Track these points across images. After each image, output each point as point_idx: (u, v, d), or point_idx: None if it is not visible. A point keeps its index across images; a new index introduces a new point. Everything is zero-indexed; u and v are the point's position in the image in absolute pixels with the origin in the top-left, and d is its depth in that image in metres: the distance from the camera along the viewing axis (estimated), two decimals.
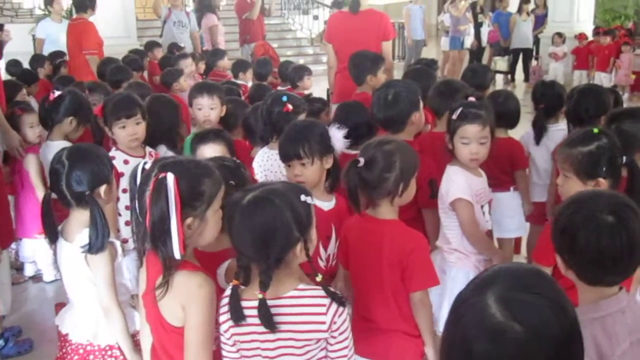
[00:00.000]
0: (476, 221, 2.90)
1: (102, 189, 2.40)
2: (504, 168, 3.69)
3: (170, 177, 1.79)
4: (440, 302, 2.77)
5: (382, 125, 3.31)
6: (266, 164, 3.23)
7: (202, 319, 1.85)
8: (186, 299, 1.85)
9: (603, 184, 2.31)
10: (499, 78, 13.54)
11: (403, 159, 2.34)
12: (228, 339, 1.89)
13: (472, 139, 2.85)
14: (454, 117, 2.86)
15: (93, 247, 2.26)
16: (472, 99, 3.07)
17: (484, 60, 13.15)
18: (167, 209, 1.78)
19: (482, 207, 2.96)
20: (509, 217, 3.68)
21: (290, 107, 3.24)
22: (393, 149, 2.36)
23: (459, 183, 2.87)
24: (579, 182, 2.35)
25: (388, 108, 3.22)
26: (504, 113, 3.69)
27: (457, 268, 2.95)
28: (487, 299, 1.12)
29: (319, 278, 1.89)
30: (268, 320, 1.77)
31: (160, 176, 1.80)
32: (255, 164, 3.27)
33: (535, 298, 1.12)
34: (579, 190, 2.38)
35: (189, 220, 1.85)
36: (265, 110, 3.30)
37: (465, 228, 2.88)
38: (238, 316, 1.81)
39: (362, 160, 2.32)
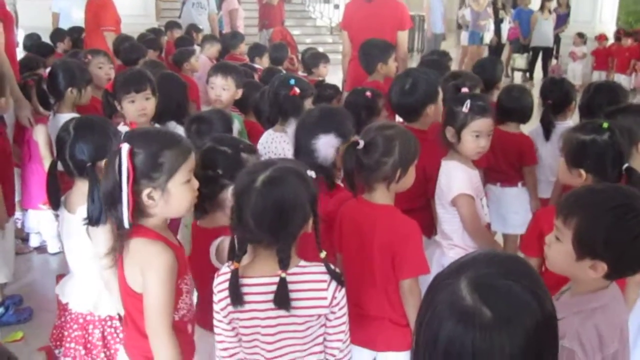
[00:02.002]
0: (479, 216, 2.87)
1: (104, 162, 2.39)
2: (512, 163, 3.67)
3: (125, 148, 1.82)
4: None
5: (397, 112, 3.30)
6: (270, 146, 3.23)
7: (158, 287, 1.86)
8: (144, 265, 1.87)
9: (583, 176, 2.32)
10: (517, 76, 13.47)
11: (403, 145, 2.32)
12: (224, 317, 1.89)
13: (484, 133, 2.82)
14: (465, 109, 2.82)
15: (91, 220, 2.27)
16: (465, 89, 3.04)
17: (503, 57, 13.06)
18: (119, 179, 1.81)
19: (480, 199, 2.93)
20: (515, 213, 3.66)
21: (297, 90, 3.23)
22: (394, 134, 2.34)
23: (460, 178, 2.83)
24: (565, 167, 2.38)
25: (405, 96, 3.21)
26: (518, 108, 3.67)
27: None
28: (460, 282, 1.10)
29: (322, 254, 1.90)
30: (284, 299, 1.79)
31: (117, 147, 1.84)
32: (259, 145, 3.26)
33: (509, 285, 1.09)
34: (565, 174, 2.40)
35: (147, 191, 1.86)
36: (272, 92, 3.29)
37: (467, 224, 2.84)
38: (238, 300, 1.82)
39: (361, 143, 2.30)
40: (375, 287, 2.32)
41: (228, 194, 2.21)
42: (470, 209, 2.82)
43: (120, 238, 1.89)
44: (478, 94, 2.97)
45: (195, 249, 2.29)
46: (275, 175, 1.82)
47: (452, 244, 2.91)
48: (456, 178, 2.83)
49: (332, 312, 1.88)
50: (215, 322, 1.93)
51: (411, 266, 2.27)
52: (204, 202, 2.18)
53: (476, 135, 2.81)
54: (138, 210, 1.87)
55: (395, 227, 2.29)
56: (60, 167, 2.50)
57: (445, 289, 1.12)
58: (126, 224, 1.84)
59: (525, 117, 3.74)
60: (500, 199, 3.71)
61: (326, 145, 2.45)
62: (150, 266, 1.86)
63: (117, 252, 1.91)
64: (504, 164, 3.46)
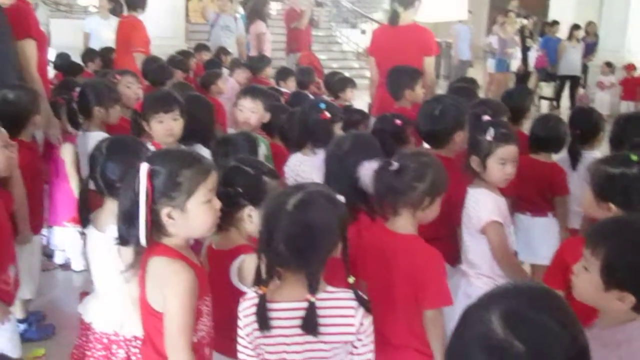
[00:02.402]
0: (508, 244, 2.83)
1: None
2: (543, 193, 3.63)
3: (144, 167, 1.84)
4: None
5: (424, 138, 3.28)
6: (298, 169, 3.23)
7: (178, 306, 1.85)
8: (163, 284, 1.87)
9: (612, 209, 2.26)
10: (544, 104, 13.39)
11: (435, 174, 2.31)
12: (250, 342, 1.87)
13: (509, 160, 2.80)
14: (489, 137, 2.80)
15: (122, 239, 2.27)
16: (486, 117, 3.02)
17: (530, 85, 13.00)
18: (136, 197, 1.83)
19: (508, 227, 2.88)
20: (545, 243, 3.57)
21: (327, 114, 3.23)
22: (428, 161, 2.34)
23: (490, 205, 2.80)
24: (593, 199, 2.32)
25: (433, 122, 3.19)
26: (553, 137, 3.63)
27: (484, 292, 2.86)
28: (491, 314, 1.08)
29: (351, 280, 1.88)
30: (313, 324, 1.77)
31: (137, 166, 1.86)
32: (286, 168, 3.27)
33: (541, 317, 1.07)
34: (591, 206, 2.35)
35: (167, 210, 1.87)
36: (302, 115, 3.29)
37: (497, 252, 2.79)
38: (266, 325, 1.81)
39: (395, 164, 2.29)
40: (398, 316, 2.28)
41: (245, 214, 2.22)
42: (500, 236, 2.78)
43: (138, 255, 1.91)
44: (500, 121, 2.95)
45: (212, 271, 2.27)
46: (306, 198, 1.82)
47: (479, 273, 2.86)
48: (485, 205, 2.80)
49: (359, 339, 1.85)
50: (239, 348, 1.91)
51: (434, 297, 2.24)
52: (220, 219, 2.18)
53: (502, 163, 2.78)
54: (159, 229, 1.88)
55: (418, 257, 2.26)
56: (92, 185, 2.52)
57: (476, 321, 1.10)
58: (143, 242, 1.85)
59: (559, 147, 3.71)
60: (530, 229, 3.66)
61: (368, 171, 2.43)
62: (170, 285, 1.86)
63: (135, 268, 1.93)
64: (535, 194, 3.42)
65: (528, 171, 3.50)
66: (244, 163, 2.34)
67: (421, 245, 2.30)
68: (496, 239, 2.78)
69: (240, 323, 1.89)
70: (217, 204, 1.97)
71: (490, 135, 2.78)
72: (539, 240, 3.61)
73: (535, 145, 3.61)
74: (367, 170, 2.41)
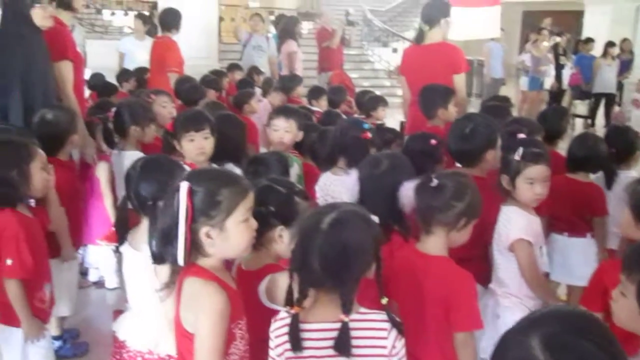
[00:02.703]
0: (536, 263, 2.78)
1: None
2: (581, 213, 3.57)
3: (184, 186, 1.84)
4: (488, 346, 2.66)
5: (454, 157, 3.25)
6: (328, 189, 3.23)
7: (208, 329, 1.83)
8: (196, 305, 1.86)
9: None
10: (579, 122, 13.22)
11: (473, 196, 2.31)
12: None
13: (539, 180, 2.76)
14: (517, 157, 2.77)
15: (155, 257, 2.29)
16: (522, 135, 2.98)
17: (564, 103, 12.86)
18: (176, 216, 1.82)
19: (540, 248, 2.84)
20: (583, 265, 3.50)
21: (369, 135, 3.25)
22: (467, 183, 2.35)
23: (520, 223, 2.77)
24: (632, 220, 2.29)
25: (464, 141, 3.16)
26: (592, 157, 3.58)
27: (511, 313, 2.79)
28: (531, 339, 1.05)
29: (384, 301, 1.86)
30: (346, 345, 1.75)
31: (176, 185, 1.85)
32: (317, 187, 3.27)
33: (583, 343, 1.04)
34: (630, 227, 2.31)
35: (205, 229, 1.86)
36: (340, 132, 3.29)
37: (525, 271, 2.76)
38: (298, 345, 1.79)
39: (435, 181, 2.28)
40: (429, 337, 2.26)
41: (276, 234, 2.22)
42: (528, 255, 2.75)
43: (174, 274, 1.90)
44: (533, 140, 2.91)
45: (241, 292, 2.27)
46: (341, 217, 1.81)
47: (507, 292, 2.83)
48: (516, 223, 2.78)
49: None
50: None
51: (465, 320, 2.22)
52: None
53: (530, 183, 2.76)
54: (196, 248, 1.87)
55: (449, 279, 2.24)
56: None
57: (516, 346, 1.07)
58: (181, 262, 1.84)
59: (598, 167, 3.65)
60: (567, 250, 3.60)
61: (409, 191, 2.41)
62: (202, 307, 1.84)
63: (170, 288, 1.92)
64: (572, 214, 3.36)
65: (565, 191, 3.46)
66: (276, 183, 2.35)
67: (452, 268, 2.28)
68: (524, 258, 2.75)
69: (271, 343, 1.88)
70: (254, 223, 1.97)
71: (518, 154, 2.76)
72: (576, 260, 3.55)
73: (573, 164, 3.56)
74: (407, 191, 2.40)
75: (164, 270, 2.14)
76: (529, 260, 2.75)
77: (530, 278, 2.76)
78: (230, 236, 1.88)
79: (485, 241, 2.94)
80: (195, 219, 1.84)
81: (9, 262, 2.73)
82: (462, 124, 3.24)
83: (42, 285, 2.90)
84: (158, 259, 2.23)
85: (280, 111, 3.97)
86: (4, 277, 2.76)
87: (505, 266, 2.83)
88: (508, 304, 2.82)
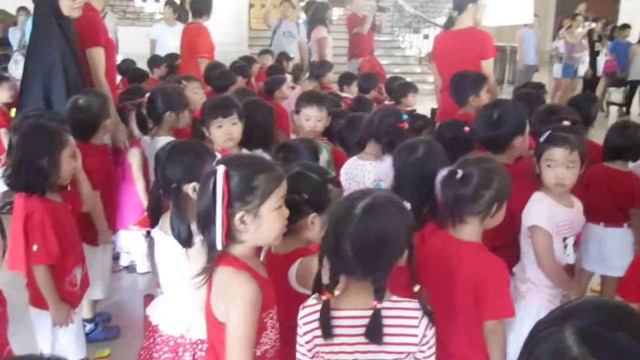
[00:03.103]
0: (551, 251, 2.73)
1: (191, 186, 2.41)
2: (619, 203, 3.50)
3: (220, 169, 1.81)
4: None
5: (482, 143, 3.20)
6: (353, 173, 3.22)
7: (239, 318, 1.81)
8: (226, 295, 1.84)
9: None
10: (613, 110, 12.99)
11: (501, 180, 2.27)
12: (309, 350, 1.85)
13: (558, 163, 2.70)
14: (542, 140, 2.76)
15: (180, 240, 2.30)
16: (566, 123, 2.93)
17: (598, 91, 12.63)
18: (213, 200, 1.80)
19: (564, 239, 2.78)
20: (619, 255, 3.45)
21: (406, 125, 3.25)
22: (493, 167, 2.30)
23: (539, 210, 2.73)
24: None
25: (492, 128, 3.11)
26: (631, 145, 3.50)
27: (527, 300, 2.78)
28: (565, 330, 1.01)
29: (416, 289, 1.84)
30: (377, 332, 1.74)
31: (212, 169, 1.83)
32: (342, 171, 3.26)
33: (620, 335, 0.99)
34: None
35: (240, 214, 1.83)
36: (378, 120, 3.27)
37: (538, 257, 2.73)
38: (329, 333, 1.78)
39: (460, 172, 2.25)
40: (458, 325, 2.23)
41: (308, 221, 2.20)
42: (541, 243, 2.71)
43: (211, 261, 1.88)
44: (564, 126, 2.87)
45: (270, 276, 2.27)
46: (375, 203, 1.79)
47: (525, 277, 2.81)
48: (536, 210, 2.74)
49: (421, 351, 1.81)
50: (298, 355, 1.89)
51: (495, 308, 2.19)
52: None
53: (548, 165, 2.71)
54: (229, 235, 1.85)
55: (481, 266, 2.21)
56: None
57: (549, 337, 1.03)
58: (219, 246, 1.82)
59: (638, 155, 3.57)
60: (603, 240, 3.53)
61: None
62: (233, 297, 1.83)
63: (206, 275, 1.90)
64: (609, 204, 3.28)
65: (602, 180, 3.41)
66: (309, 169, 2.33)
67: (485, 254, 2.25)
68: (537, 245, 2.72)
69: (300, 330, 1.87)
70: (286, 212, 1.94)
71: (543, 137, 2.74)
72: (612, 251, 3.48)
73: (610, 153, 3.49)
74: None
75: (197, 255, 2.15)
76: (541, 247, 2.71)
77: (543, 266, 2.73)
78: (264, 223, 1.86)
79: (513, 229, 2.91)
80: (230, 204, 1.82)
81: (34, 247, 2.78)
82: (490, 110, 3.18)
83: (72, 268, 2.93)
84: (184, 242, 2.25)
85: (312, 100, 3.90)
86: (31, 262, 2.80)
87: (527, 250, 2.81)
88: (525, 290, 2.81)
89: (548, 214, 2.72)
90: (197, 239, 2.17)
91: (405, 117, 3.30)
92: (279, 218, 1.91)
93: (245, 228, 1.85)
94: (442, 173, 2.33)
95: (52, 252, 2.79)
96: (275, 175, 1.90)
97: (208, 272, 1.89)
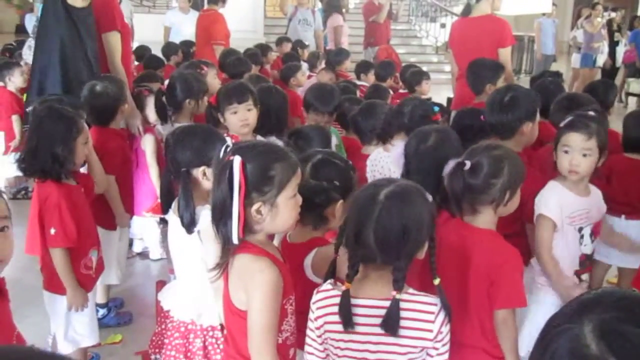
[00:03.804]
0: (548, 244, 2.68)
1: (201, 170, 2.40)
2: None
3: (237, 160, 1.75)
4: (520, 324, 2.54)
5: (491, 127, 3.16)
6: (377, 164, 3.19)
7: (263, 304, 1.76)
8: (248, 283, 1.79)
9: None
10: (632, 101, 12.85)
11: (511, 166, 2.21)
12: (319, 335, 1.83)
13: (574, 148, 2.64)
14: (561, 125, 2.70)
15: (184, 224, 2.29)
16: (591, 113, 2.88)
17: (617, 81, 12.47)
18: (229, 191, 1.75)
19: (580, 229, 2.72)
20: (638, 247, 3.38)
21: (439, 117, 3.25)
22: (502, 154, 2.23)
23: (548, 199, 2.68)
24: None
25: (501, 112, 3.04)
26: None
27: (544, 291, 2.73)
28: (583, 326, 0.95)
29: (436, 281, 1.80)
30: (394, 323, 1.70)
31: (227, 159, 1.78)
32: (368, 162, 3.23)
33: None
34: None
35: (257, 205, 1.78)
36: (410, 110, 3.25)
37: (536, 246, 2.70)
38: (349, 323, 1.74)
39: (468, 164, 2.19)
40: (470, 314, 2.18)
41: (336, 208, 2.17)
42: (543, 232, 2.67)
43: (227, 254, 1.83)
44: (586, 113, 2.82)
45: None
46: (399, 190, 1.75)
47: (542, 269, 2.76)
48: (545, 198, 2.70)
49: (435, 348, 1.76)
50: (307, 340, 1.87)
51: (507, 297, 2.14)
52: (313, 214, 2.14)
53: (565, 151, 2.65)
54: (245, 225, 1.80)
55: (495, 254, 2.16)
56: None
57: (565, 333, 0.97)
58: (235, 240, 1.77)
59: None
60: (623, 232, 3.42)
61: None
62: (254, 283, 1.78)
63: (223, 268, 1.86)
64: (631, 195, 3.22)
65: (623, 172, 3.33)
66: (332, 155, 2.29)
67: (499, 242, 2.20)
68: (538, 234, 2.69)
69: (311, 315, 1.83)
70: (299, 200, 1.90)
71: (564, 122, 2.69)
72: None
73: (630, 144, 3.42)
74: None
75: (209, 236, 2.09)
76: (541, 237, 2.68)
77: (537, 254, 2.71)
78: (280, 212, 1.82)
79: (523, 217, 2.87)
80: (247, 195, 1.77)
81: (52, 231, 2.77)
82: (501, 94, 3.12)
83: (87, 251, 2.93)
84: (187, 227, 2.23)
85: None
86: (49, 246, 2.80)
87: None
88: (542, 281, 2.76)
89: (558, 204, 2.67)
90: (204, 222, 2.15)
91: (437, 109, 3.26)
92: (295, 206, 1.87)
93: (261, 218, 1.81)
94: (450, 165, 2.28)
95: (70, 235, 2.79)
96: (290, 164, 1.85)
97: (223, 266, 1.85)
